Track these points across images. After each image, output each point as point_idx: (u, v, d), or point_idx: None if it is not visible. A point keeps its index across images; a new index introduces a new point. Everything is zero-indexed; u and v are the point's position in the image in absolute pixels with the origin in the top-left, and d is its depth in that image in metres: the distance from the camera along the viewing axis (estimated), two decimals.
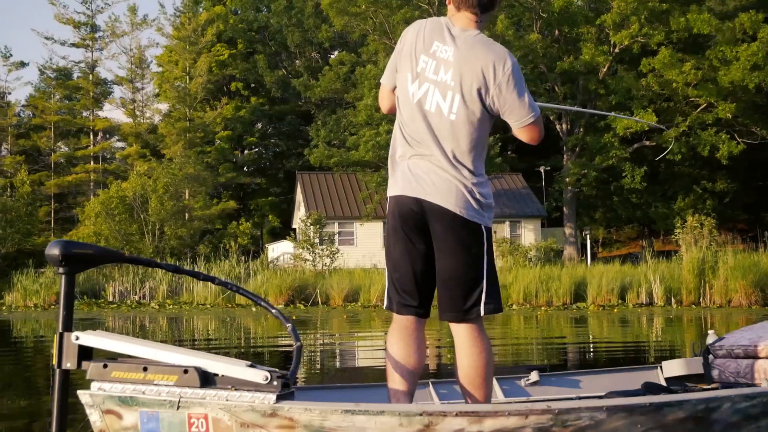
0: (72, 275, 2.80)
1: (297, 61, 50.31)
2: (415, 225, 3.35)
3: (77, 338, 2.78)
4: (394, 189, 3.42)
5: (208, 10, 49.55)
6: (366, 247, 36.34)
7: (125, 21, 53.10)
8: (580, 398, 4.26)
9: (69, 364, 2.77)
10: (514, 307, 22.52)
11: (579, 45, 37.03)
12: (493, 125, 3.44)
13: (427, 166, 3.31)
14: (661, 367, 4.94)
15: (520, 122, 3.33)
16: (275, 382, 2.70)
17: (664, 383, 4.77)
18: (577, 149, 38.32)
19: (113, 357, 2.84)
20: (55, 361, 2.77)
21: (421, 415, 2.73)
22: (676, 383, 4.68)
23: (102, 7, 58.53)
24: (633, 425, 2.84)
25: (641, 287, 22.27)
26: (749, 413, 3.09)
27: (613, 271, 24.11)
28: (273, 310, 2.99)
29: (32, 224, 40.78)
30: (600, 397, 3.80)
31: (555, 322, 17.20)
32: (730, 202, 42.20)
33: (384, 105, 3.62)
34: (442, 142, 3.29)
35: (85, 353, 2.79)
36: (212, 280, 3.14)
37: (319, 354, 10.55)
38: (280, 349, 11.42)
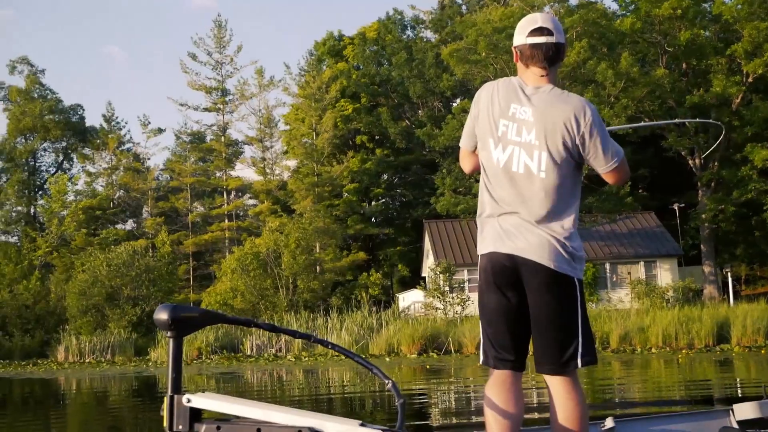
0: (180, 339, 2.82)
1: (420, 111, 50.81)
2: (507, 281, 3.36)
3: (189, 401, 2.79)
4: (484, 246, 3.44)
5: (331, 68, 50.87)
6: None
7: (253, 83, 55.01)
8: None
9: (180, 426, 2.77)
10: (653, 350, 21.79)
11: (709, 77, 35.97)
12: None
13: (518, 222, 3.34)
14: (732, 410, 4.82)
15: (606, 168, 3.36)
16: None
17: (736, 426, 4.68)
18: (713, 184, 37.02)
19: (224, 418, 2.83)
20: (165, 424, 2.77)
21: None
22: (750, 427, 4.60)
23: (231, 72, 60.95)
24: None
25: None
26: None
27: (759, 310, 23.12)
28: (374, 369, 2.94)
29: (173, 282, 42.43)
30: None
31: (698, 365, 16.51)
32: None
33: (466, 167, 3.68)
34: (533, 201, 3.31)
35: (195, 415, 2.80)
36: (308, 338, 3.10)
37: (453, 402, 10.47)
38: (416, 400, 11.40)
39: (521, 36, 3.40)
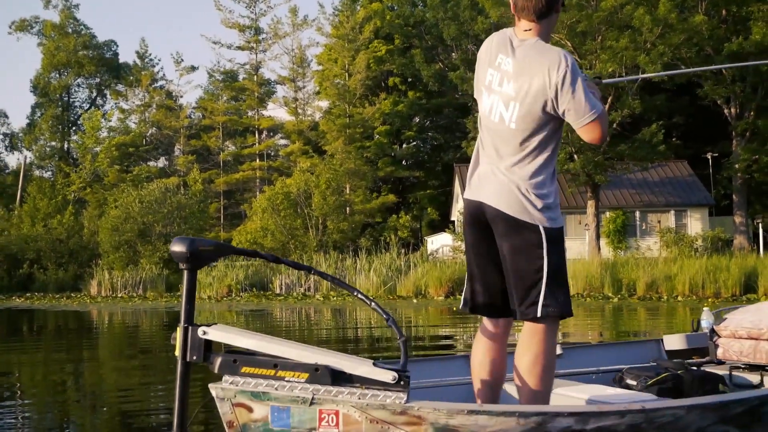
0: (195, 271, 2.89)
1: (453, 54, 50.27)
2: (479, 227, 3.47)
3: (205, 333, 2.87)
4: (465, 193, 3.56)
5: (365, 7, 50.44)
6: None
7: (287, 22, 54.81)
8: (600, 371, 4.73)
9: (195, 357, 2.86)
10: (680, 298, 21.87)
11: (749, 24, 35.24)
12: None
13: (489, 170, 3.43)
14: (662, 340, 5.35)
15: (579, 122, 3.31)
16: (402, 382, 2.85)
17: (665, 356, 5.23)
18: (748, 134, 36.52)
19: (241, 352, 2.94)
20: (178, 353, 2.85)
21: (537, 415, 2.95)
22: (677, 356, 5.10)
23: (265, 11, 60.78)
24: (703, 419, 3.24)
25: None
26: None
27: None
28: (372, 303, 3.02)
29: (204, 220, 42.87)
30: (647, 387, 4.21)
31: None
32: None
33: None
34: (502, 150, 3.39)
35: (210, 347, 2.89)
36: (309, 270, 3.19)
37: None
38: (440, 340, 11.61)
39: None
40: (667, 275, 23.75)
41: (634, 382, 4.28)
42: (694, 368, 4.53)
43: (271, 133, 59.19)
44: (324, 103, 52.60)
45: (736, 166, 36.55)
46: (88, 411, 5.80)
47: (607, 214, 36.57)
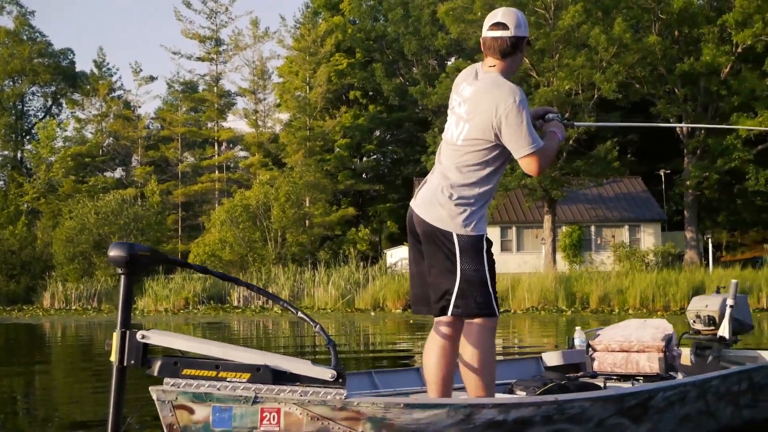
0: (132, 276, 2.92)
1: (414, 69, 50.76)
2: (413, 234, 3.81)
3: (143, 337, 2.90)
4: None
5: (327, 21, 50.65)
6: None
7: (248, 34, 54.73)
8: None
9: (132, 361, 2.87)
10: (630, 311, 22.34)
11: (700, 45, 36.13)
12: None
13: (430, 182, 3.79)
14: (541, 358, 5.69)
15: (518, 153, 3.61)
16: (341, 379, 3.03)
17: (543, 371, 5.53)
18: (698, 152, 37.39)
19: (182, 356, 3.00)
20: (114, 358, 2.86)
21: (465, 407, 3.24)
22: (555, 372, 5.33)
23: (226, 22, 60.67)
24: (604, 411, 3.63)
25: (762, 292, 22.01)
26: (671, 400, 4.01)
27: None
28: (299, 313, 3.16)
29: (161, 232, 42.65)
30: (565, 390, 4.44)
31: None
32: None
33: None
34: (446, 162, 3.72)
35: (149, 352, 2.94)
36: (236, 281, 3.27)
37: None
38: (396, 353, 11.79)
39: (484, 28, 3.79)
40: (619, 289, 24.26)
41: (523, 393, 4.50)
42: (576, 381, 4.84)
43: (231, 145, 59.05)
44: (284, 116, 52.64)
45: (687, 183, 37.24)
46: (38, 423, 5.81)
47: (564, 228, 37.10)
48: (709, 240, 36.59)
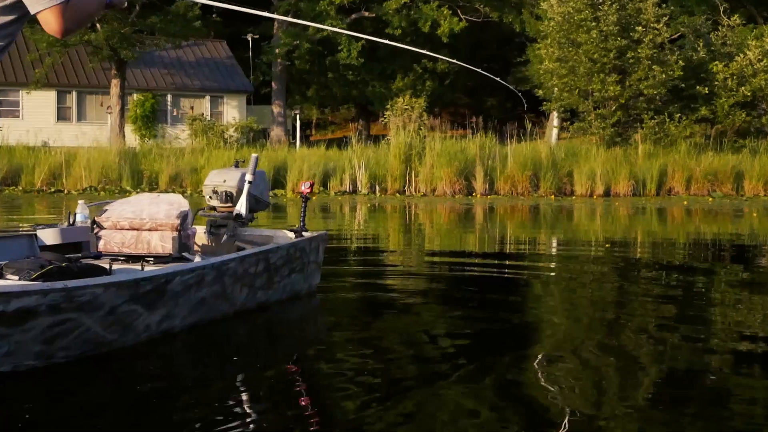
0: None
1: None
2: None
3: None
4: None
5: None
6: (33, 120, 31.15)
7: None
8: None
9: None
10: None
11: None
12: None
13: None
14: (36, 235, 5.20)
15: (34, 8, 2.83)
16: None
17: (38, 251, 5.05)
18: (290, 15, 34.20)
19: None
20: None
21: None
22: (53, 251, 4.87)
23: None
24: (117, 297, 3.64)
25: (345, 174, 21.40)
26: (188, 284, 4.11)
27: (317, 156, 22.82)
28: None
29: None
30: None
31: None
32: (451, 85, 40.09)
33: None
34: None
35: None
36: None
37: None
38: None
39: None
40: (193, 167, 22.53)
41: (15, 277, 4.04)
42: (78, 262, 4.41)
43: None
44: None
45: (277, 51, 34.67)
46: None
47: (135, 96, 32.95)
48: (297, 116, 34.38)
